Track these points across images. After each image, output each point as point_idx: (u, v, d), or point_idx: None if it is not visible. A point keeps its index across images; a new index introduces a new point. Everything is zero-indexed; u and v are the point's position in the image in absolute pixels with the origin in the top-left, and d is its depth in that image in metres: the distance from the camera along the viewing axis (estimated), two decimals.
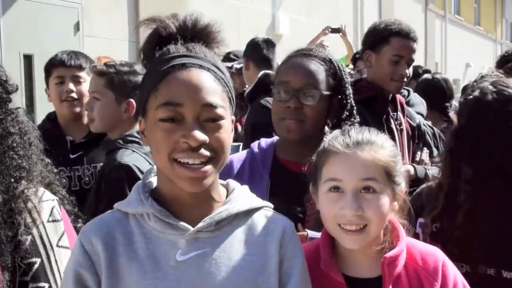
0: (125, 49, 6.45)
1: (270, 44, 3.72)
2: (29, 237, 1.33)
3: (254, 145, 1.82)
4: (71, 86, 2.64)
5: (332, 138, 1.37)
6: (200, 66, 1.18)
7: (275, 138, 1.83)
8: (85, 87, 2.62)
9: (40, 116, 5.99)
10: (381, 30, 2.56)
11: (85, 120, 2.64)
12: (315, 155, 1.41)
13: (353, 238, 1.29)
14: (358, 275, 1.35)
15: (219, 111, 1.16)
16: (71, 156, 2.63)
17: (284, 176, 1.71)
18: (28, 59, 5.81)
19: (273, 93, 1.79)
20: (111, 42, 6.15)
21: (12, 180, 1.34)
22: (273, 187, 1.69)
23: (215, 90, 1.17)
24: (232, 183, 1.31)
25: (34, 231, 1.34)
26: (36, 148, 1.45)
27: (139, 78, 2.20)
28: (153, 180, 1.28)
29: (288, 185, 1.67)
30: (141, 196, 1.22)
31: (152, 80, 1.18)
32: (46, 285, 1.34)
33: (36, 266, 1.33)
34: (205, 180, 1.17)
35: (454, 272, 1.36)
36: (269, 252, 1.22)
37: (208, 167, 1.16)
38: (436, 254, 1.37)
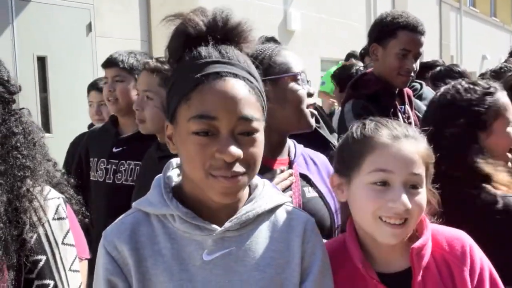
0: (137, 48, 6.46)
1: (274, 42, 3.71)
2: (35, 235, 1.33)
3: None
4: (110, 87, 2.68)
5: (373, 128, 1.32)
6: (235, 75, 1.12)
7: None
8: (124, 85, 2.64)
9: (54, 117, 6.06)
10: (387, 23, 2.51)
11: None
12: (348, 143, 1.35)
13: (394, 232, 1.26)
14: (386, 270, 1.32)
15: (255, 124, 1.12)
16: (114, 150, 2.66)
17: (260, 173, 1.69)
18: (41, 61, 5.87)
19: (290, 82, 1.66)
20: (123, 42, 6.16)
21: (17, 179, 1.35)
22: None
23: (250, 101, 1.12)
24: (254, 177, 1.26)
25: (40, 229, 1.34)
26: (40, 148, 1.45)
27: None
28: (172, 174, 1.26)
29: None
30: (164, 196, 1.19)
31: (183, 86, 1.12)
32: (52, 282, 1.34)
33: (41, 263, 1.33)
34: (238, 193, 1.15)
35: (480, 256, 1.34)
36: (293, 249, 1.21)
37: (241, 178, 1.12)
38: (462, 238, 1.35)
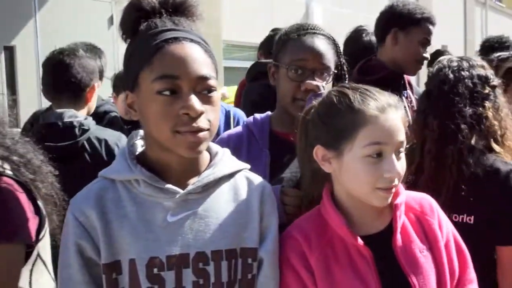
0: None
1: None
2: None
3: (249, 120, 1.83)
4: None
5: (361, 100, 1.35)
6: (191, 40, 1.23)
7: (269, 112, 1.83)
8: None
9: None
10: (412, 12, 2.57)
11: None
12: (334, 115, 1.38)
13: (388, 196, 1.35)
14: (366, 232, 1.38)
15: (212, 82, 1.22)
16: (125, 127, 2.85)
17: (282, 148, 1.72)
18: None
19: (276, 72, 1.77)
20: None
21: None
22: (273, 159, 1.71)
23: (207, 62, 1.23)
24: (214, 146, 1.37)
25: None
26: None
27: None
28: (138, 143, 1.33)
29: (287, 155, 1.70)
30: (129, 162, 1.27)
31: (144, 53, 1.21)
32: None
33: None
34: (201, 146, 1.22)
35: (445, 218, 1.46)
36: (252, 209, 1.31)
37: (205, 133, 1.22)
38: (427, 198, 1.46)
